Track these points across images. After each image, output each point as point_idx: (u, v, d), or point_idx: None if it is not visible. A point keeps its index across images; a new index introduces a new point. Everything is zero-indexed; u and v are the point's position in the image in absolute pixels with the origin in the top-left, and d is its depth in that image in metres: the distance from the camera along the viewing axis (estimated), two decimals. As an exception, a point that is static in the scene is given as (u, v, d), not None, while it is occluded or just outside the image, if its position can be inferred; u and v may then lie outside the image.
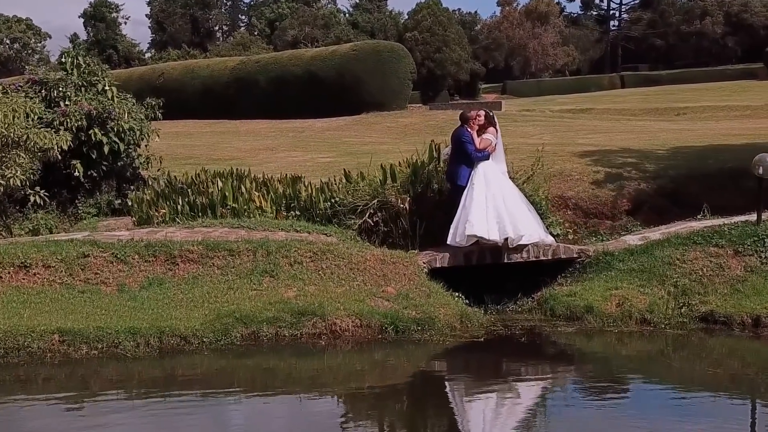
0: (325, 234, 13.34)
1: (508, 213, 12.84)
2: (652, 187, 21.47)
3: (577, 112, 64.38)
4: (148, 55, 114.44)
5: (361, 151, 29.04)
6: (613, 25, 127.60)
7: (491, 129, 13.37)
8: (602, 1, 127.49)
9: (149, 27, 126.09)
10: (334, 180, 15.34)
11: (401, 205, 13.61)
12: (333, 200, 14.18)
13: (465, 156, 13.18)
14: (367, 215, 13.66)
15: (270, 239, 12.66)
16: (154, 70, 50.50)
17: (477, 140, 13.24)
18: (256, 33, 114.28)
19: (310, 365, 10.61)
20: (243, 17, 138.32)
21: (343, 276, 12.07)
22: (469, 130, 13.34)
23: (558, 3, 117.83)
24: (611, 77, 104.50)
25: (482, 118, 13.50)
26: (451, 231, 12.88)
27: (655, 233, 13.91)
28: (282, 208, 14.66)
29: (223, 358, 10.48)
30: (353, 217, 13.73)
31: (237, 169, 17.02)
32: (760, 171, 13.02)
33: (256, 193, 14.81)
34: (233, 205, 14.62)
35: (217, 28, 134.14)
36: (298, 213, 14.48)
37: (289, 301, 11.38)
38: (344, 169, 15.21)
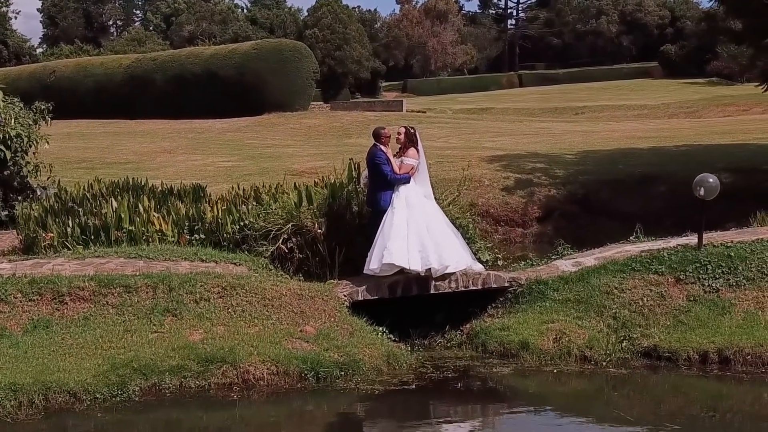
0: (234, 263, 11.95)
1: (433, 241, 11.62)
2: (563, 194, 20.89)
3: (478, 112, 64.36)
4: (39, 50, 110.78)
5: (265, 154, 27.97)
6: (511, 24, 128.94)
7: (412, 151, 12.04)
8: (500, 0, 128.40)
9: (41, 21, 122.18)
10: (239, 189, 14.19)
11: (318, 230, 12.37)
12: (242, 223, 12.84)
13: (383, 178, 11.95)
14: (280, 241, 12.36)
15: (172, 272, 11.18)
16: (46, 68, 48.76)
17: (394, 161, 12.02)
18: (151, 28, 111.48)
19: (218, 418, 9.38)
20: (138, 12, 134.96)
21: (256, 314, 10.67)
22: (383, 149, 12.07)
23: (456, 1, 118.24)
24: (509, 76, 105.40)
25: (402, 136, 12.21)
26: (368, 258, 11.62)
27: (589, 258, 12.92)
28: (185, 231, 13.26)
29: (119, 415, 9.11)
30: (265, 243, 12.39)
31: (133, 178, 15.84)
32: (702, 192, 12.10)
33: (156, 215, 13.39)
34: (130, 228, 13.17)
35: (111, 23, 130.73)
36: (202, 236, 13.09)
37: (195, 345, 10.01)
38: (254, 187, 13.93)
